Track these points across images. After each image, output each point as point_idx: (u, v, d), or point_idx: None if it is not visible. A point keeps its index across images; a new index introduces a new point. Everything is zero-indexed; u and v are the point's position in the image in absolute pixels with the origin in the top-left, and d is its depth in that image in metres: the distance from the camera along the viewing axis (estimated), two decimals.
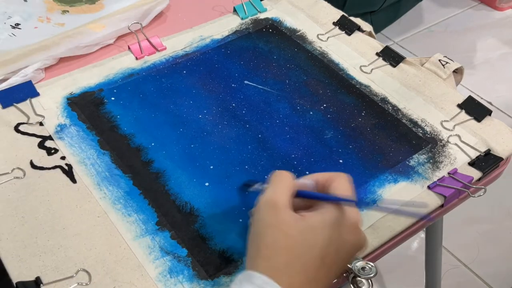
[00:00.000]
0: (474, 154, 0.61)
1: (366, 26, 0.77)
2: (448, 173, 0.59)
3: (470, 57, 1.72)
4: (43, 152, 0.59)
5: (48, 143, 0.60)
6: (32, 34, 0.72)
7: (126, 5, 0.76)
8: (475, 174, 0.59)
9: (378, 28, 1.72)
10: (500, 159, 0.61)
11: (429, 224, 0.59)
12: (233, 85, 0.68)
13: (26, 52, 0.68)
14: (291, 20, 0.79)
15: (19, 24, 0.74)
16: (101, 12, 0.76)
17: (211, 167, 0.59)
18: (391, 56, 0.72)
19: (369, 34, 0.77)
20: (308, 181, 0.47)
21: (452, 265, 1.20)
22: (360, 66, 0.71)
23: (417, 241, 1.24)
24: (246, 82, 0.69)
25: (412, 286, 1.16)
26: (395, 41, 1.77)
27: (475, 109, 0.65)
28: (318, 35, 0.76)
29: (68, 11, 0.77)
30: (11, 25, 0.73)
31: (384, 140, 0.63)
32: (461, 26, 1.85)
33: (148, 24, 0.77)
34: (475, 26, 1.85)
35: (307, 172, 0.58)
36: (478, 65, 1.70)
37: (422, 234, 1.19)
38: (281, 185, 0.44)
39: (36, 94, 0.65)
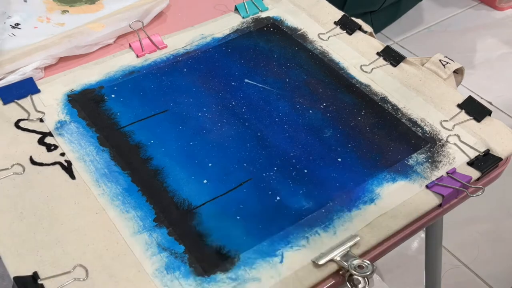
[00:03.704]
0: (473, 154, 0.61)
1: (367, 27, 0.77)
2: (447, 173, 0.59)
3: (470, 57, 1.72)
4: (43, 148, 0.59)
5: (48, 140, 0.60)
6: (32, 34, 0.72)
7: (126, 4, 0.76)
8: (474, 174, 0.59)
9: (378, 28, 1.72)
10: (499, 159, 0.61)
11: (429, 224, 0.59)
12: (233, 83, 0.69)
13: (26, 52, 0.68)
14: (292, 19, 0.79)
15: (19, 24, 0.74)
16: (101, 12, 0.76)
17: (210, 164, 0.59)
18: (391, 56, 0.72)
19: (369, 35, 0.77)
20: None
21: (452, 265, 1.20)
22: (361, 66, 0.72)
23: (417, 241, 1.23)
24: (246, 80, 0.69)
25: (412, 286, 1.16)
26: (395, 41, 1.77)
27: (475, 109, 0.65)
28: (319, 34, 0.76)
29: (68, 11, 0.77)
30: (11, 25, 0.73)
31: (383, 139, 0.63)
32: (461, 26, 1.85)
33: (148, 23, 0.77)
34: (475, 26, 1.85)
35: (306, 171, 0.58)
36: (478, 65, 1.70)
37: (422, 234, 1.19)
38: None
39: (36, 90, 0.65)
